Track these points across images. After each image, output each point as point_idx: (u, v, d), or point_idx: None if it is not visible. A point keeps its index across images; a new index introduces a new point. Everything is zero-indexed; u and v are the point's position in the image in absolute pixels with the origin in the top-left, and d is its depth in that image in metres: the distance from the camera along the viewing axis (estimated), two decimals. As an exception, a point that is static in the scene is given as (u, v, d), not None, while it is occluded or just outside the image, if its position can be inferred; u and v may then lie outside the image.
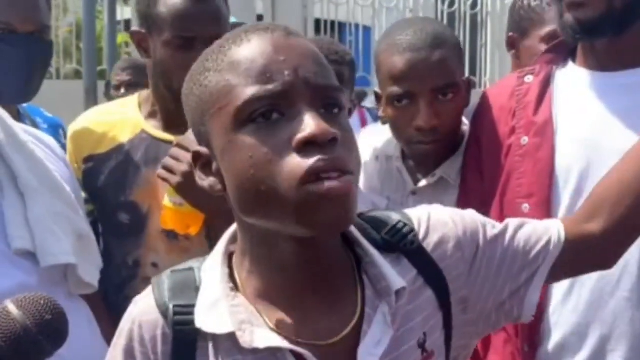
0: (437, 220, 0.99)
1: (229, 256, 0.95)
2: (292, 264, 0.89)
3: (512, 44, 2.18)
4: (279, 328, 0.89)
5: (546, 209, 1.50)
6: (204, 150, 0.90)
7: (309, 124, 0.81)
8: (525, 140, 1.55)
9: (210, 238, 1.58)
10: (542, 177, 1.51)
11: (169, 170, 1.48)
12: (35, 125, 1.87)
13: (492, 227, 1.01)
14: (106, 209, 1.70)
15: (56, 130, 2.07)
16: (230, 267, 0.94)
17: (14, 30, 1.59)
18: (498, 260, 0.99)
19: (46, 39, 1.68)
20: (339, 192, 0.80)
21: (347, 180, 0.82)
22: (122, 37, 8.08)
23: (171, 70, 1.62)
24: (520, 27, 2.14)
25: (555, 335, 1.49)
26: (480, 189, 1.61)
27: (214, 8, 1.62)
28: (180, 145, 1.49)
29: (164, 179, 1.49)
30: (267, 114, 0.82)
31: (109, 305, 1.67)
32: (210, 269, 0.93)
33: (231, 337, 0.87)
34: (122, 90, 4.00)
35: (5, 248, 1.30)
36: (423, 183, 1.68)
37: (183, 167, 1.45)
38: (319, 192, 0.80)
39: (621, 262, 1.43)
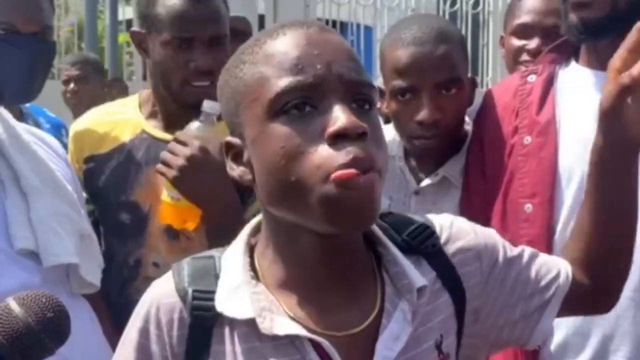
0: (459, 228, 1.00)
1: (251, 246, 0.96)
2: (313, 257, 0.90)
3: (502, 43, 2.19)
4: (298, 317, 0.89)
5: (549, 209, 1.50)
6: (235, 140, 0.91)
7: (340, 117, 0.82)
8: (528, 139, 1.55)
9: (207, 234, 1.59)
10: (545, 177, 1.51)
11: (167, 164, 1.50)
12: (38, 125, 1.88)
13: (510, 249, 1.03)
14: (107, 209, 1.71)
15: (58, 130, 2.08)
16: (251, 256, 0.95)
17: (17, 31, 1.60)
18: (513, 279, 1.01)
19: (49, 40, 1.68)
20: (366, 188, 0.82)
21: (373, 177, 0.83)
22: (123, 36, 8.09)
23: (170, 71, 1.63)
24: (504, 24, 2.15)
25: (558, 335, 1.49)
26: (483, 189, 1.61)
27: (212, 9, 1.63)
28: (178, 140, 1.51)
29: (162, 173, 1.51)
30: (300, 106, 0.84)
31: (110, 304, 1.67)
32: (231, 257, 0.94)
33: (250, 323, 0.88)
34: (72, 85, 3.99)
35: (8, 248, 1.30)
36: (425, 183, 1.68)
37: (180, 161, 1.48)
38: (345, 186, 0.81)
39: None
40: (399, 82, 1.57)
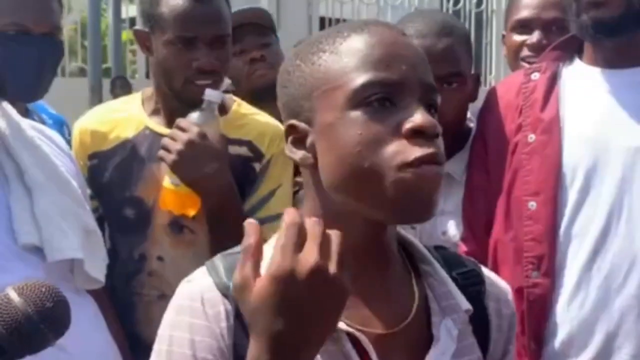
0: (506, 298, 1.03)
1: None
2: (354, 248, 0.90)
3: (504, 42, 2.19)
4: None
5: (553, 207, 1.50)
6: (301, 124, 0.92)
7: (420, 116, 0.86)
8: (532, 137, 1.55)
9: (207, 220, 1.61)
10: (549, 175, 1.51)
11: (167, 149, 1.54)
12: (42, 121, 1.88)
13: None
14: (112, 204, 1.72)
15: (60, 127, 2.08)
16: None
17: (27, 31, 1.62)
18: None
19: (58, 40, 1.70)
20: (434, 180, 0.85)
21: (441, 169, 0.86)
22: (126, 34, 8.10)
23: (173, 70, 1.64)
24: (505, 22, 2.15)
25: (562, 333, 1.49)
26: (486, 186, 1.61)
27: (215, 8, 1.64)
28: (178, 127, 1.56)
29: (162, 159, 1.56)
30: (382, 100, 0.87)
31: (115, 299, 1.68)
32: (269, 251, 0.95)
33: None
34: None
35: (11, 243, 1.30)
36: (429, 179, 1.67)
37: (178, 146, 1.52)
38: (416, 176, 0.84)
39: (628, 259, 1.44)
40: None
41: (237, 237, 1.65)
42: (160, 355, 0.93)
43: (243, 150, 1.69)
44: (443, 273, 0.97)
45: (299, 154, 0.93)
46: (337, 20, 8.00)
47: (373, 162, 0.85)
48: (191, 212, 1.62)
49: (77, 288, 1.40)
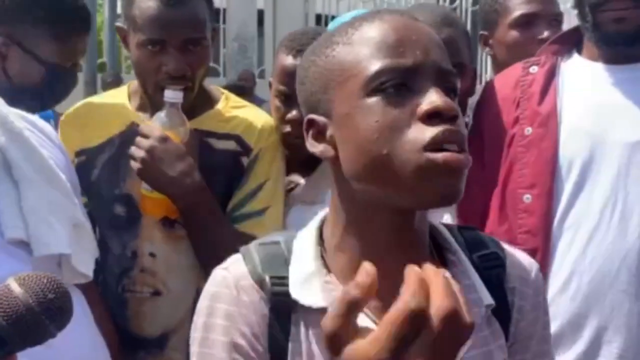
0: (528, 277, 1.01)
1: (322, 235, 0.98)
2: (383, 238, 0.91)
3: (484, 42, 2.18)
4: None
5: (548, 200, 1.50)
6: (319, 117, 0.93)
7: (436, 98, 0.85)
8: (529, 130, 1.55)
9: (183, 223, 1.61)
10: (545, 168, 1.51)
11: (133, 158, 1.54)
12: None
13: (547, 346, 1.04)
14: (101, 202, 1.69)
15: (47, 120, 2.07)
16: (321, 244, 0.97)
17: (75, 66, 1.76)
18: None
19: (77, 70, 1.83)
20: (457, 164, 0.84)
21: (465, 156, 0.85)
22: (122, 30, 8.09)
23: (145, 73, 1.63)
24: (487, 22, 2.14)
25: (553, 325, 1.48)
26: (481, 176, 1.60)
27: (187, 12, 1.60)
28: (140, 133, 1.56)
29: (132, 167, 1.55)
30: (397, 86, 0.86)
31: (107, 296, 1.67)
32: (303, 245, 0.97)
33: (322, 312, 0.88)
34: None
35: (-2, 237, 1.28)
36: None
37: (141, 153, 1.52)
38: (437, 160, 0.83)
39: (621, 254, 1.44)
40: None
41: (215, 235, 1.63)
42: (194, 343, 0.95)
43: (231, 145, 1.67)
44: (467, 264, 0.96)
45: (319, 147, 0.93)
46: (333, 18, 8.00)
47: (392, 148, 0.84)
48: (173, 215, 1.60)
49: (65, 282, 1.38)
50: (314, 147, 0.94)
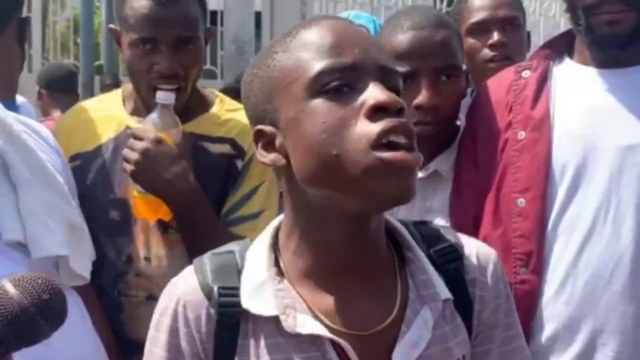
0: (488, 266, 1.01)
1: (276, 242, 0.98)
2: (339, 244, 0.91)
3: None
4: (319, 311, 0.91)
5: (542, 204, 1.50)
6: (267, 127, 0.93)
7: (378, 92, 0.86)
8: (522, 134, 1.55)
9: (177, 226, 1.61)
10: (539, 172, 1.52)
11: (126, 160, 1.54)
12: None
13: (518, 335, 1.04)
14: (96, 207, 1.69)
15: (28, 116, 2.06)
16: (275, 251, 0.96)
17: None
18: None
19: None
20: (406, 163, 0.84)
21: (415, 154, 0.85)
22: (119, 32, 8.08)
23: (137, 74, 1.63)
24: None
25: (548, 329, 1.50)
26: (474, 181, 1.61)
27: (179, 10, 1.60)
28: (134, 135, 1.55)
29: (124, 170, 1.55)
30: (340, 86, 0.87)
31: (104, 299, 1.67)
32: (256, 253, 0.96)
33: (274, 320, 0.90)
34: None
35: (-4, 239, 1.29)
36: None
37: (135, 156, 1.52)
38: (386, 159, 0.83)
39: (615, 257, 1.45)
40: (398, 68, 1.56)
41: (209, 239, 1.65)
42: (145, 354, 0.97)
43: (226, 148, 1.67)
44: (424, 259, 0.96)
45: (270, 157, 0.93)
46: (331, 20, 8.01)
47: (341, 149, 0.85)
48: (166, 217, 1.60)
49: (62, 285, 1.38)
50: (264, 157, 0.94)
